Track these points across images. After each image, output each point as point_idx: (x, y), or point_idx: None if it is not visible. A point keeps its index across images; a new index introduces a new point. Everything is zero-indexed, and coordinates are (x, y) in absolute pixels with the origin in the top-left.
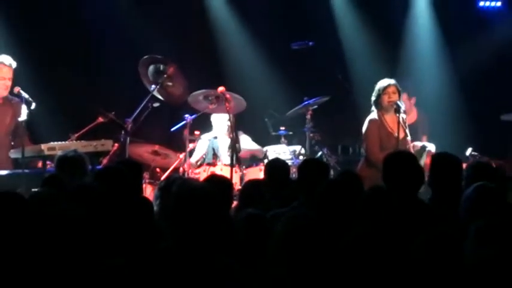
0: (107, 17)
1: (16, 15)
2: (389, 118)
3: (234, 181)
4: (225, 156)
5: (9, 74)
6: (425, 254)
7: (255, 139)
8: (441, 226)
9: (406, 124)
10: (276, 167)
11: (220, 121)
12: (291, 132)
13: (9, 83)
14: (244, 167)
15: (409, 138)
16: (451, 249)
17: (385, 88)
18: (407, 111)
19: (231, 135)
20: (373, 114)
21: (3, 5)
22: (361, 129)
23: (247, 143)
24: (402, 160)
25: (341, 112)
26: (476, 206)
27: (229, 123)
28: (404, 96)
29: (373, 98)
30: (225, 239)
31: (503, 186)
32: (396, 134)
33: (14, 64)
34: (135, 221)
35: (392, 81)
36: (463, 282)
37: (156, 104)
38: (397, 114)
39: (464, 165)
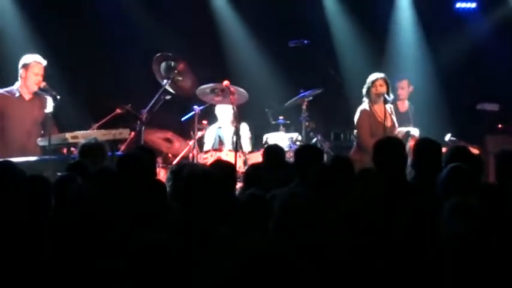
0: (122, 20)
1: (44, 19)
2: (378, 108)
3: (238, 165)
4: (229, 143)
5: (41, 71)
6: (407, 225)
7: (257, 127)
8: (421, 202)
9: (393, 113)
10: (273, 151)
11: (224, 112)
12: (288, 121)
13: (41, 79)
14: (246, 152)
15: (396, 125)
16: (429, 221)
17: (373, 81)
18: (404, 98)
19: (235, 124)
20: (364, 105)
21: (34, 12)
22: (353, 118)
23: (244, 135)
24: (391, 145)
25: (333, 103)
26: (451, 184)
27: (233, 113)
28: (405, 82)
29: (364, 90)
30: (230, 214)
31: (478, 167)
32: (383, 122)
33: (45, 62)
34: (151, 200)
35: (381, 75)
36: (439, 252)
37: (168, 97)
38: (385, 105)
39: (444, 149)
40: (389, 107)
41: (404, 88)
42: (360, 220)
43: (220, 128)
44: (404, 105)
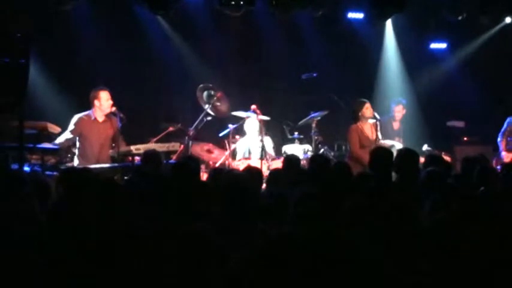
0: (174, 58)
1: (115, 57)
2: (365, 125)
3: (263, 170)
4: (256, 153)
5: (109, 96)
6: (391, 214)
7: (277, 141)
8: (401, 197)
9: (378, 129)
10: (291, 159)
11: (252, 128)
12: (302, 136)
13: (112, 102)
14: (270, 159)
15: (380, 138)
16: (408, 211)
17: (364, 104)
18: (398, 119)
19: (261, 138)
20: (353, 124)
21: (108, 48)
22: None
23: (268, 145)
24: (383, 154)
25: (336, 121)
26: (428, 183)
27: (258, 129)
28: (400, 106)
29: (353, 112)
30: (256, 208)
31: (449, 170)
32: (370, 137)
33: (107, 89)
34: (199, 195)
35: (364, 100)
36: (421, 238)
37: (209, 118)
38: (370, 122)
39: (422, 157)
40: (373, 122)
41: (400, 111)
42: (360, 212)
43: (249, 141)
44: (397, 124)
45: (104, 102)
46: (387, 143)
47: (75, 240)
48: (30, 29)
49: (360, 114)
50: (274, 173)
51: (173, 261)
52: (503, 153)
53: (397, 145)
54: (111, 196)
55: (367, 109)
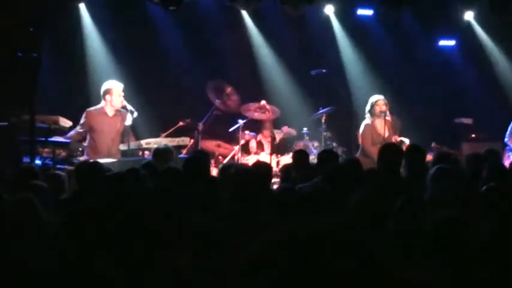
0: (185, 54)
1: (125, 53)
2: (378, 122)
3: (272, 165)
4: (266, 148)
5: (122, 92)
6: (403, 211)
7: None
8: (411, 194)
9: (391, 125)
10: (299, 154)
11: (262, 124)
12: (310, 131)
13: (123, 99)
14: (279, 155)
15: (392, 134)
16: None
17: (376, 101)
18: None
19: (270, 134)
20: (367, 120)
21: (116, 45)
22: (359, 130)
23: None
24: (391, 150)
25: (345, 117)
26: (436, 180)
27: (268, 125)
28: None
29: (367, 108)
30: (266, 202)
31: (456, 167)
32: (383, 133)
33: (122, 85)
34: (208, 191)
35: (381, 96)
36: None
37: (218, 113)
38: (384, 119)
39: (430, 154)
40: (387, 119)
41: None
42: (366, 207)
43: (258, 136)
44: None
45: (115, 98)
46: (397, 139)
47: (89, 232)
48: (42, 23)
49: (371, 110)
50: (284, 168)
51: (186, 252)
52: None
53: (406, 141)
54: (123, 189)
55: (378, 106)
